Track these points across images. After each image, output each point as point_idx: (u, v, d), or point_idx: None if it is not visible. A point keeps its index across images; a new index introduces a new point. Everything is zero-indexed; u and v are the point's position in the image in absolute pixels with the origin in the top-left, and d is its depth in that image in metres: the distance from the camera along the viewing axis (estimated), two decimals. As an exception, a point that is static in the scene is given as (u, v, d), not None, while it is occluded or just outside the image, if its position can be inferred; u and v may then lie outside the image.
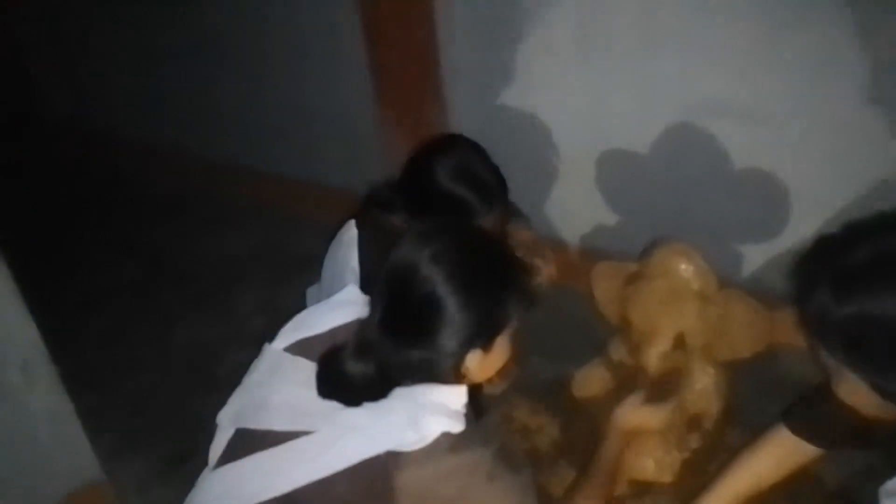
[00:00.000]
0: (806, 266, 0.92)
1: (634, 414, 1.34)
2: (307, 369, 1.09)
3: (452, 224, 1.19)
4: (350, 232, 1.43)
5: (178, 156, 3.66)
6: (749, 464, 1.26)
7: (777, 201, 1.92)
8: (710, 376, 1.49)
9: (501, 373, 1.34)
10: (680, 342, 1.46)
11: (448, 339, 1.02)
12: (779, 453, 1.24)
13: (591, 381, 1.65)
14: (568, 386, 1.75)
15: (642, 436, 1.41)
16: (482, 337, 1.05)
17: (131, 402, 2.19)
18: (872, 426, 1.00)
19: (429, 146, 1.46)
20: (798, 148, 1.84)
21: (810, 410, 1.20)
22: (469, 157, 1.41)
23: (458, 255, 1.04)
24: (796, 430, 1.22)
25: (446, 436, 1.00)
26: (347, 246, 1.39)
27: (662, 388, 1.40)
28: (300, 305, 1.24)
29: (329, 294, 1.23)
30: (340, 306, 1.16)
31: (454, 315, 1.01)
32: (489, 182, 1.40)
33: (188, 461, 1.80)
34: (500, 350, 1.10)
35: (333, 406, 1.04)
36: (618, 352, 1.61)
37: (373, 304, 1.09)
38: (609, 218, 2.26)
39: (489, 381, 1.42)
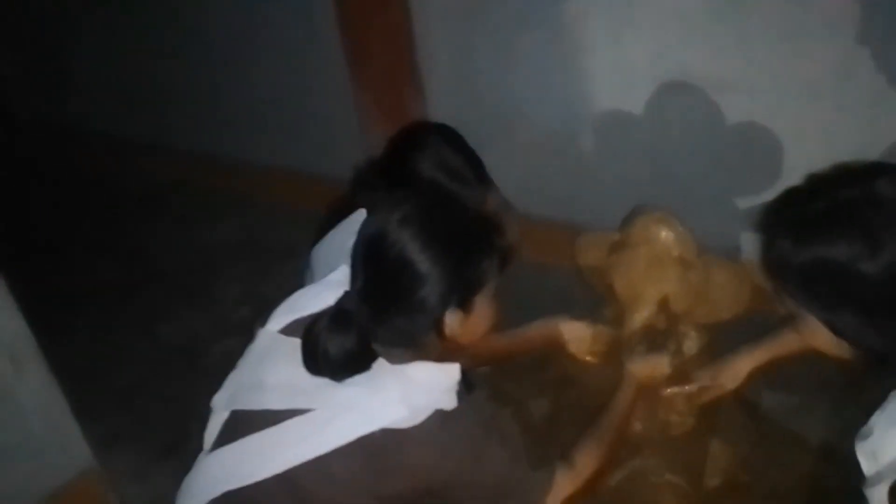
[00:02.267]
0: (769, 216, 0.99)
1: (646, 363, 1.45)
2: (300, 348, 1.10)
3: (418, 191, 1.23)
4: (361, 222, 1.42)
5: (154, 149, 3.63)
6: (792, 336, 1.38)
7: (754, 169, 1.96)
8: (693, 339, 1.53)
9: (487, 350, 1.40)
10: (663, 307, 1.50)
11: (424, 296, 1.04)
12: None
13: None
14: (556, 360, 1.77)
15: (651, 389, 1.49)
16: (458, 292, 1.06)
17: (121, 394, 2.19)
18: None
19: (404, 140, 1.46)
20: (774, 116, 1.88)
21: None
22: (440, 147, 1.41)
23: (425, 216, 1.06)
24: None
25: (439, 412, 1.03)
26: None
27: (653, 343, 1.48)
28: (284, 294, 1.24)
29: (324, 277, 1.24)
30: (333, 286, 1.17)
31: (427, 271, 1.03)
32: (464, 171, 1.41)
33: (181, 448, 1.80)
34: (482, 312, 1.12)
35: (327, 383, 1.06)
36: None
37: (352, 277, 1.10)
38: (589, 191, 2.29)
39: (478, 362, 1.47)
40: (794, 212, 0.95)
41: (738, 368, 1.49)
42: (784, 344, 1.44)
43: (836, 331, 0.93)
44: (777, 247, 0.95)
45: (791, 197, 0.98)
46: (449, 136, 1.45)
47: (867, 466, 0.95)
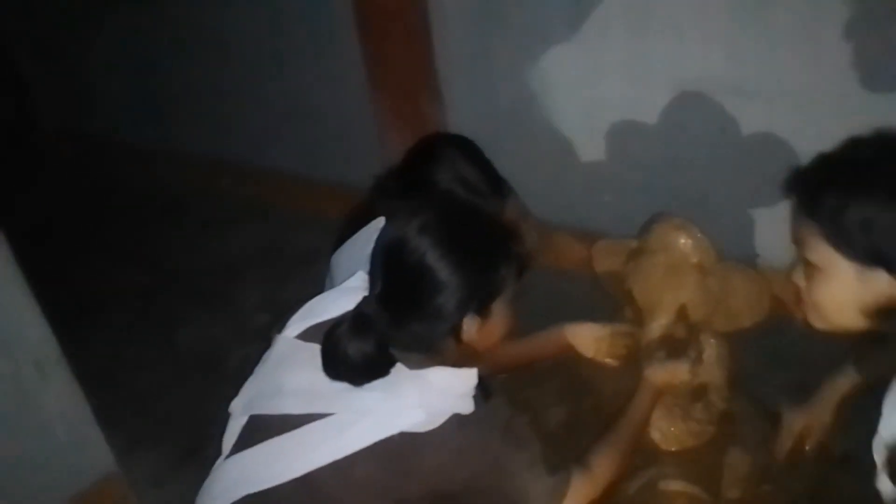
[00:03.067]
0: (813, 171, 1.03)
1: (665, 369, 1.43)
2: (319, 353, 1.11)
3: (439, 198, 1.24)
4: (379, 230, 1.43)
5: (176, 157, 3.67)
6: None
7: (772, 176, 1.93)
8: (712, 347, 1.51)
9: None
10: (682, 315, 1.49)
11: (443, 303, 1.05)
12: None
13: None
14: (572, 365, 1.77)
15: (668, 395, 1.48)
16: (477, 299, 1.07)
17: (142, 400, 2.21)
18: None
19: (420, 152, 1.47)
20: (793, 123, 1.86)
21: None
22: (456, 159, 1.42)
23: (445, 224, 1.07)
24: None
25: (456, 417, 1.03)
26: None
27: (672, 349, 1.47)
28: (303, 300, 1.25)
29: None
30: (350, 292, 1.18)
31: (446, 278, 1.04)
32: (480, 183, 1.41)
33: (201, 453, 1.81)
34: (499, 319, 1.12)
35: (346, 387, 1.06)
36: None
37: (371, 282, 1.11)
38: (607, 199, 2.28)
39: (493, 369, 1.47)
40: (850, 163, 0.99)
41: (826, 405, 1.48)
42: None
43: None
44: (832, 198, 0.97)
45: (836, 153, 1.02)
46: (465, 148, 1.46)
47: (879, 458, 0.96)
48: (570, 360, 1.80)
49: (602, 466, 1.25)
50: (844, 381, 1.45)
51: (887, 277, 0.95)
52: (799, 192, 1.03)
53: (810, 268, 1.02)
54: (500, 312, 1.12)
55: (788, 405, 1.51)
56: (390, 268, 1.09)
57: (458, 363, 1.09)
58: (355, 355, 1.05)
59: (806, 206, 1.01)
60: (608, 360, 1.61)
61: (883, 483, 0.95)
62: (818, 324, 1.06)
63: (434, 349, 1.09)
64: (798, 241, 1.04)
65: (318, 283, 1.58)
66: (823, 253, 0.99)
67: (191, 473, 1.26)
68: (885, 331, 1.01)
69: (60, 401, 1.54)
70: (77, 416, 1.58)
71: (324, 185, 2.97)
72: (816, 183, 1.01)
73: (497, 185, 1.43)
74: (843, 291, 1.00)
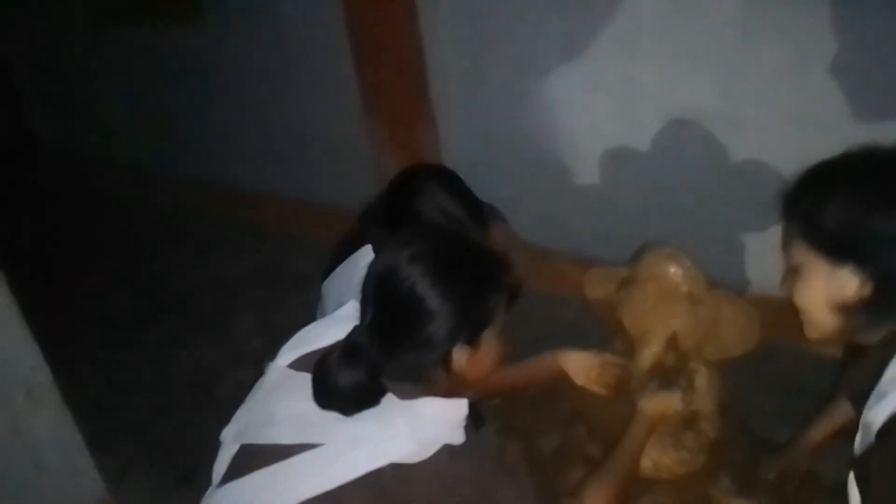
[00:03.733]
0: (800, 178, 1.08)
1: (658, 399, 1.43)
2: (311, 383, 1.11)
3: (429, 228, 1.25)
4: (368, 258, 1.44)
5: (172, 180, 3.69)
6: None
7: (762, 205, 1.95)
8: (703, 375, 1.51)
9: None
10: (672, 343, 1.50)
11: (433, 332, 1.05)
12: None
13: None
14: (565, 393, 1.77)
15: (662, 427, 1.48)
16: (467, 329, 1.07)
17: (134, 425, 2.21)
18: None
19: (402, 185, 1.48)
20: (782, 151, 1.88)
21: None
22: (437, 192, 1.43)
23: (435, 253, 1.08)
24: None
25: (447, 447, 1.03)
26: (364, 271, 1.41)
27: (663, 380, 1.47)
28: (299, 325, 1.25)
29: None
30: (342, 321, 1.18)
31: (437, 307, 1.04)
32: (460, 215, 1.42)
33: (193, 481, 1.81)
34: (489, 348, 1.12)
35: (337, 417, 1.06)
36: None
37: (362, 311, 1.12)
38: (599, 225, 2.30)
39: (485, 395, 1.47)
40: (826, 169, 1.06)
41: (806, 446, 1.50)
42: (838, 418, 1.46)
43: (858, 260, 0.99)
44: (807, 197, 1.04)
45: (821, 163, 1.08)
46: (445, 180, 1.46)
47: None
48: (563, 388, 1.81)
49: (596, 499, 1.25)
50: (827, 423, 1.47)
51: (853, 275, 0.99)
52: (784, 198, 1.08)
53: (793, 274, 1.07)
54: (490, 342, 1.12)
55: (769, 454, 1.52)
56: (381, 297, 1.09)
57: (448, 392, 1.10)
58: (346, 384, 1.05)
59: (786, 209, 1.07)
60: (597, 389, 1.61)
61: (850, 495, 0.97)
62: (809, 333, 1.09)
63: (425, 378, 1.09)
64: (783, 248, 1.09)
65: (313, 308, 1.59)
66: (801, 253, 1.04)
67: (183, 500, 1.26)
68: (860, 339, 1.05)
69: (51, 428, 1.53)
70: (68, 443, 1.58)
71: (320, 209, 2.99)
72: (797, 187, 1.07)
73: (477, 214, 1.45)
74: (817, 290, 1.04)
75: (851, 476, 0.98)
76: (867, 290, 0.98)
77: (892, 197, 0.97)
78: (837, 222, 0.99)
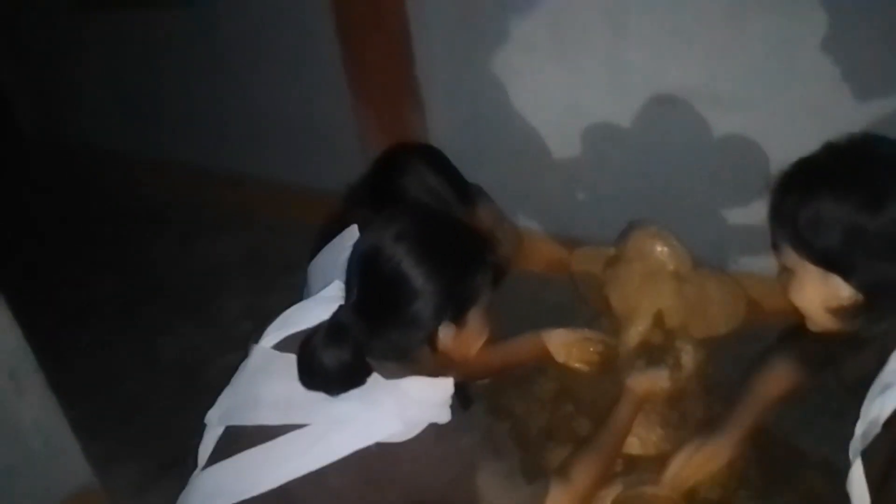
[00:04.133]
0: (782, 176, 1.06)
1: (645, 377, 1.43)
2: (296, 364, 1.11)
3: (413, 207, 1.26)
4: (354, 239, 1.43)
5: (157, 165, 3.66)
6: (757, 391, 1.35)
7: (748, 184, 1.96)
8: (689, 353, 1.52)
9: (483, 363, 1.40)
10: (659, 321, 1.50)
11: (418, 310, 1.05)
12: (780, 376, 1.34)
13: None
14: (552, 372, 1.78)
15: (648, 404, 1.48)
16: (452, 307, 1.08)
17: (122, 410, 2.20)
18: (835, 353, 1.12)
19: (387, 164, 1.47)
20: (768, 131, 1.89)
21: (794, 334, 1.30)
22: (424, 171, 1.43)
23: (420, 232, 1.08)
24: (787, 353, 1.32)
25: (433, 426, 1.03)
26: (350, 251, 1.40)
27: (650, 358, 1.48)
28: (286, 308, 1.25)
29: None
30: (326, 301, 1.17)
31: (422, 285, 1.05)
32: (446, 193, 1.42)
33: (181, 464, 1.79)
34: (475, 327, 1.13)
35: (322, 397, 1.06)
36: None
37: (347, 291, 1.11)
38: (585, 205, 2.30)
39: (469, 375, 1.47)
40: (805, 169, 1.03)
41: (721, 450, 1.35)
42: (762, 398, 1.35)
43: (844, 274, 0.98)
44: (787, 199, 1.02)
45: (804, 161, 1.05)
46: (431, 159, 1.46)
47: (852, 456, 0.98)
48: (550, 367, 1.81)
49: (582, 476, 1.25)
50: (758, 400, 1.35)
51: (846, 282, 0.98)
52: (770, 199, 1.06)
53: (787, 273, 1.06)
54: (475, 321, 1.12)
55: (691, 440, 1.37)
56: (366, 276, 1.09)
57: (434, 372, 1.10)
58: (331, 364, 1.05)
59: (773, 215, 1.05)
60: (579, 366, 1.61)
61: (853, 483, 0.97)
62: (810, 325, 1.08)
63: (410, 358, 1.09)
64: (774, 249, 1.07)
65: (299, 290, 1.58)
66: (792, 257, 1.03)
67: (170, 484, 1.26)
68: (861, 333, 1.03)
69: (35, 411, 1.53)
70: (53, 426, 1.57)
71: (306, 192, 2.97)
72: (781, 188, 1.04)
73: (464, 193, 1.44)
74: (812, 293, 1.03)
75: (857, 465, 0.96)
76: (861, 296, 0.97)
77: (879, 207, 0.93)
78: (825, 236, 0.97)
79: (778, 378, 1.34)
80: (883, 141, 1.01)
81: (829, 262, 0.98)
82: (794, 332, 1.27)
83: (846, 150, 1.01)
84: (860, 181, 0.96)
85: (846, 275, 0.97)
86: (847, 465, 1.00)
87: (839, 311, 1.01)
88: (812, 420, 1.63)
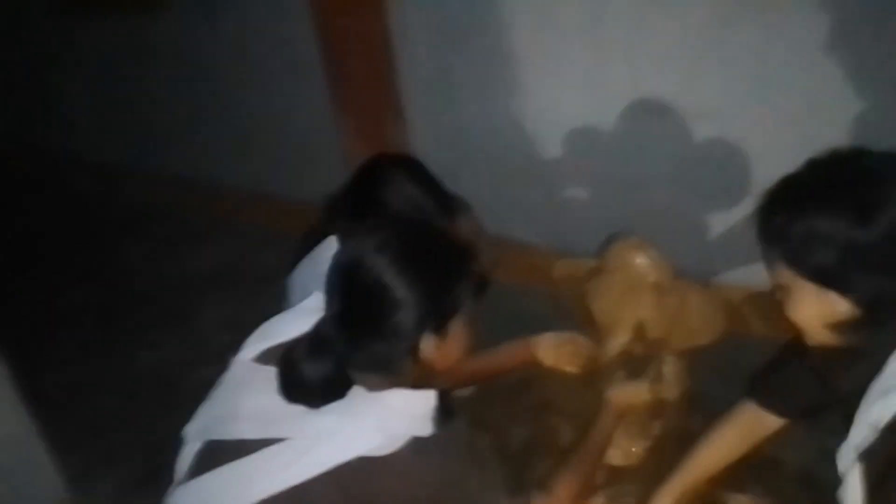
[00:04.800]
0: (769, 194, 1.06)
1: (625, 389, 1.44)
2: (276, 377, 1.10)
3: (394, 218, 1.26)
4: (332, 249, 1.43)
5: (135, 174, 3.62)
6: (717, 439, 1.34)
7: (727, 195, 1.99)
8: (670, 364, 1.53)
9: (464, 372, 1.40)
10: (640, 333, 1.51)
11: (400, 321, 1.04)
12: (745, 427, 1.33)
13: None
14: (534, 384, 1.78)
15: (630, 416, 1.48)
16: (434, 317, 1.07)
17: (97, 422, 2.16)
18: (831, 387, 1.12)
19: (368, 174, 1.47)
20: (747, 143, 1.91)
21: (772, 380, 1.30)
22: (403, 182, 1.42)
23: (401, 243, 1.07)
24: (761, 402, 1.30)
25: (415, 440, 1.02)
26: (329, 262, 1.40)
27: (631, 369, 1.48)
28: (265, 319, 1.23)
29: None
30: (306, 313, 1.16)
31: (403, 296, 1.04)
32: (425, 204, 1.42)
33: (157, 479, 1.76)
34: (457, 337, 1.12)
35: (303, 411, 1.05)
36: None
37: (328, 302, 1.10)
38: (567, 216, 2.31)
39: (456, 384, 1.46)
40: (792, 186, 1.03)
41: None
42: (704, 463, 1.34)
43: (834, 286, 0.98)
44: (777, 217, 1.01)
45: (789, 178, 1.04)
46: (410, 169, 1.46)
47: (843, 464, 0.99)
48: (532, 379, 1.81)
49: (564, 489, 1.25)
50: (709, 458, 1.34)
51: (843, 298, 0.98)
52: (757, 217, 1.06)
53: (782, 289, 1.05)
54: (457, 331, 1.12)
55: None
56: (347, 287, 1.08)
57: (417, 383, 1.09)
58: (312, 377, 1.04)
59: (762, 233, 1.05)
60: (569, 368, 1.61)
61: (848, 489, 0.97)
62: (808, 340, 1.08)
63: (392, 369, 1.08)
64: (767, 267, 1.06)
65: (279, 302, 1.57)
66: (786, 275, 1.03)
67: (147, 499, 1.24)
68: (859, 345, 1.03)
69: (7, 424, 1.49)
70: (25, 440, 1.53)
71: (286, 202, 2.96)
72: (768, 207, 1.04)
73: (445, 203, 1.44)
74: (810, 310, 1.03)
75: (854, 470, 0.96)
76: (858, 311, 0.97)
77: (869, 221, 0.93)
78: (819, 253, 0.97)
79: (739, 433, 1.33)
80: (866, 153, 1.01)
81: (826, 278, 0.98)
82: (777, 370, 1.28)
83: (831, 165, 1.01)
84: (849, 196, 0.96)
85: (843, 290, 0.97)
86: (828, 475, 1.00)
87: (838, 326, 1.00)
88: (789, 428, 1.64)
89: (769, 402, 1.30)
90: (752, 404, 1.32)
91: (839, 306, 0.99)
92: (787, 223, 1.00)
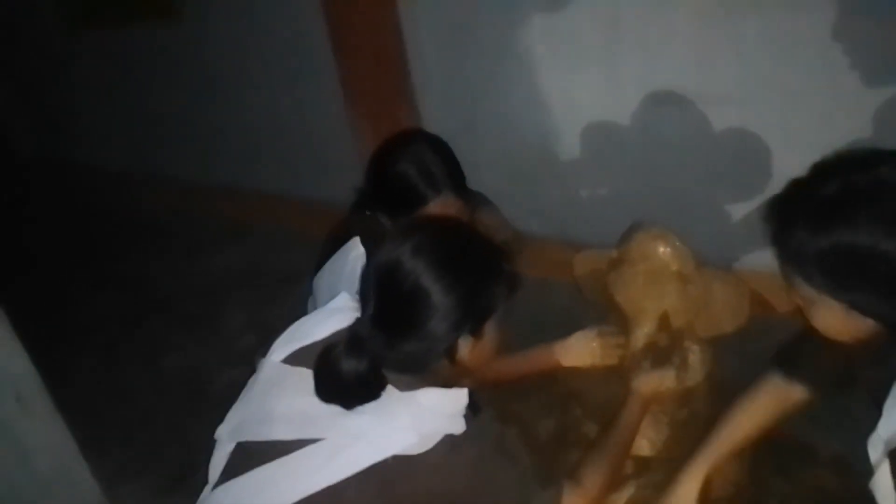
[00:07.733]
0: (780, 206, 1.01)
1: (651, 378, 1.43)
2: (308, 378, 1.10)
3: (430, 219, 1.26)
4: (357, 250, 1.45)
5: (154, 181, 3.65)
6: (742, 412, 1.33)
7: (746, 180, 1.97)
8: (696, 353, 1.52)
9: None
10: (664, 322, 1.50)
11: (437, 325, 1.05)
12: (770, 398, 1.31)
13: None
14: (560, 376, 1.78)
15: (657, 405, 1.48)
16: (471, 320, 1.08)
17: (128, 428, 2.19)
18: (854, 362, 1.11)
19: (393, 139, 1.52)
20: (764, 126, 1.90)
21: (798, 350, 1.28)
22: (420, 147, 1.46)
23: (438, 245, 1.08)
24: (787, 372, 1.29)
25: (448, 437, 1.03)
26: (354, 263, 1.41)
27: (657, 359, 1.47)
28: (288, 320, 1.25)
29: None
30: (334, 314, 1.17)
31: (441, 301, 1.04)
32: (436, 169, 1.44)
33: (189, 481, 1.79)
34: (490, 337, 1.13)
35: (337, 411, 1.06)
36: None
37: (363, 303, 1.11)
38: (586, 208, 2.30)
39: (482, 384, 1.47)
40: (808, 200, 0.96)
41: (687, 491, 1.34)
42: (732, 434, 1.33)
43: (861, 310, 0.95)
44: (795, 236, 0.96)
45: (800, 187, 0.99)
46: (435, 144, 1.49)
47: (875, 456, 0.97)
48: (557, 372, 1.81)
49: (593, 480, 1.25)
50: (736, 430, 1.33)
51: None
52: (772, 228, 1.02)
53: (804, 300, 1.03)
54: (490, 330, 1.13)
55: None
56: (384, 290, 1.09)
57: (447, 382, 1.10)
58: (349, 376, 1.05)
59: (779, 248, 1.01)
60: (606, 362, 1.61)
61: (879, 483, 0.96)
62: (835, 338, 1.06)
63: (427, 370, 1.09)
64: (786, 280, 1.03)
65: (303, 303, 1.58)
66: (807, 288, 0.99)
67: (178, 502, 1.25)
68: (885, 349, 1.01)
69: (43, 435, 1.51)
70: (61, 449, 1.55)
71: (303, 202, 2.97)
72: (784, 219, 1.00)
73: (455, 179, 1.46)
74: (833, 322, 1.01)
75: (884, 465, 0.95)
76: (885, 328, 0.95)
77: (888, 239, 0.88)
78: (843, 272, 0.93)
79: (764, 405, 1.32)
80: (881, 157, 0.95)
81: (851, 298, 0.95)
82: (803, 343, 1.26)
83: (845, 172, 0.95)
84: (873, 210, 0.91)
85: (870, 313, 0.95)
86: (862, 462, 1.00)
87: (863, 335, 0.99)
88: (819, 415, 1.63)
89: (795, 372, 1.28)
90: (777, 376, 1.31)
91: (864, 323, 0.96)
92: (807, 241, 0.94)
